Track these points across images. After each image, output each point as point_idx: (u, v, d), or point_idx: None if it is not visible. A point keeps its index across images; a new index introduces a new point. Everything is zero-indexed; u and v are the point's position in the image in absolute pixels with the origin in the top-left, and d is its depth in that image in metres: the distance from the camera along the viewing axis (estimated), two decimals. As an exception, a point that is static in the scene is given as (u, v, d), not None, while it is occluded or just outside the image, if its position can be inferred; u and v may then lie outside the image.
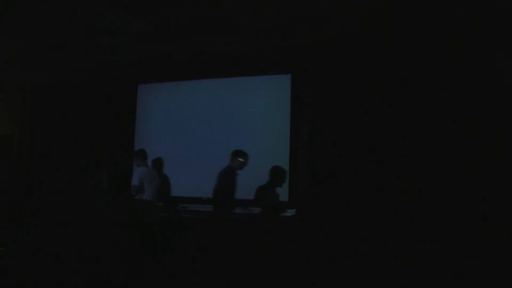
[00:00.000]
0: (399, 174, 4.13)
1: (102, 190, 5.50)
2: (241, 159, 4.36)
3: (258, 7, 3.73)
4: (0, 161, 6.18)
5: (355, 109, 4.37)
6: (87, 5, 3.81)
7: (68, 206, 5.61)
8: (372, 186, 4.21)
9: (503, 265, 3.68)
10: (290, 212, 4.59)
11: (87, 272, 4.87)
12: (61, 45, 4.82)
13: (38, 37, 4.60)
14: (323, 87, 4.54)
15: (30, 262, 5.39)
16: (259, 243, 4.57)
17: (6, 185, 6.08)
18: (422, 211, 4.03)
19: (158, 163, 5.07)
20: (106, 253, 5.23)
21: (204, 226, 4.91)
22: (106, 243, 5.28)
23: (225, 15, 3.92)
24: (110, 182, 5.49)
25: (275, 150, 4.59)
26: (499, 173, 3.83)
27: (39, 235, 5.64)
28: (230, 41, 4.62)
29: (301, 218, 4.45)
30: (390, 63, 4.30)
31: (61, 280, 4.67)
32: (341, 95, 4.46)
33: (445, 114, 4.05)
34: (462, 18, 3.82)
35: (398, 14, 3.78)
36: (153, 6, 3.79)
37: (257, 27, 4.20)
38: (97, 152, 5.57)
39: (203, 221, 4.94)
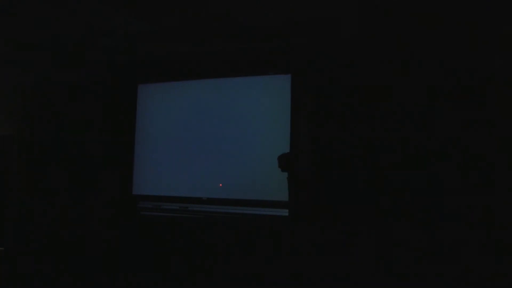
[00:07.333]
0: (400, 175, 4.13)
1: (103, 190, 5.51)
2: None
3: (258, 7, 3.73)
4: (0, 161, 6.18)
5: (356, 109, 4.37)
6: (87, 5, 3.80)
7: (67, 206, 5.61)
8: (373, 187, 4.22)
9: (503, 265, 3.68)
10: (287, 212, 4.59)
11: (86, 272, 4.87)
12: (61, 45, 4.81)
13: (38, 37, 4.60)
14: (323, 87, 4.54)
15: (30, 262, 5.39)
16: (257, 243, 4.58)
17: (6, 186, 6.08)
18: (422, 212, 4.03)
19: None
20: (106, 252, 5.23)
21: (200, 227, 4.92)
22: (105, 243, 5.27)
23: (225, 15, 3.92)
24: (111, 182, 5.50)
25: (275, 150, 4.58)
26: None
27: (38, 235, 5.64)
28: (230, 41, 4.61)
29: (300, 219, 4.45)
30: (391, 63, 4.31)
31: (59, 280, 4.67)
32: (341, 95, 4.46)
33: (447, 114, 4.05)
34: (467, 19, 3.82)
35: (400, 14, 3.77)
36: (153, 6, 3.78)
37: (257, 27, 4.19)
38: (97, 152, 5.56)
39: (202, 222, 4.94)
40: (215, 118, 5.06)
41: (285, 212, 4.58)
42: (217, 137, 5.02)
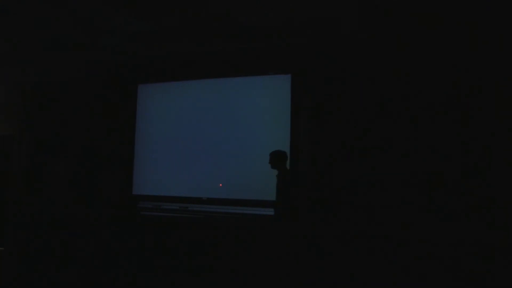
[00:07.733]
0: (399, 174, 4.13)
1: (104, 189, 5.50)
2: None
3: (258, 7, 3.73)
4: (0, 161, 6.18)
5: (355, 109, 4.37)
6: (87, 5, 3.80)
7: (68, 206, 5.61)
8: (373, 186, 4.22)
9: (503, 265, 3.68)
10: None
11: (86, 272, 4.87)
12: (61, 45, 4.81)
13: (38, 37, 4.60)
14: (323, 87, 4.54)
15: (30, 262, 5.39)
16: (256, 243, 4.58)
17: (6, 186, 6.08)
18: (421, 212, 4.03)
19: None
20: (106, 252, 5.23)
21: (200, 227, 4.91)
22: (105, 243, 5.27)
23: (225, 15, 3.92)
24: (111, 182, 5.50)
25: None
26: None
27: (38, 235, 5.64)
28: (230, 41, 4.61)
29: (300, 218, 4.45)
30: (390, 62, 4.31)
31: (59, 280, 4.67)
32: (341, 95, 4.46)
33: (446, 114, 4.05)
34: (467, 19, 3.83)
35: (400, 14, 3.77)
36: (153, 6, 3.79)
37: (257, 27, 4.19)
38: (97, 152, 5.56)
39: (202, 222, 4.94)
40: (215, 118, 5.06)
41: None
42: (217, 137, 5.02)
